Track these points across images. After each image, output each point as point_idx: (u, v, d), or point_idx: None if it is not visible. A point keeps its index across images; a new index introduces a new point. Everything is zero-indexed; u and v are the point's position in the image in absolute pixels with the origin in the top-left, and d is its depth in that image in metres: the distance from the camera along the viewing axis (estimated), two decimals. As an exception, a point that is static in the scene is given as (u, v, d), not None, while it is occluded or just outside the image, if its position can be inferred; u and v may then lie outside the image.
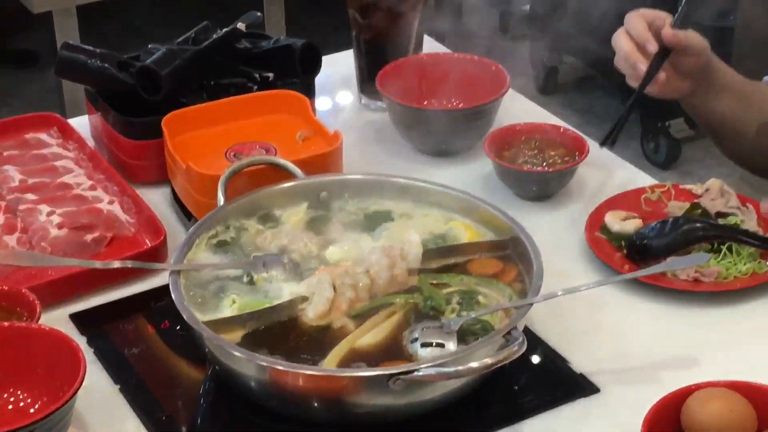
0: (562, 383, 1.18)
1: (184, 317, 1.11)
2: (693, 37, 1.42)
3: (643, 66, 1.40)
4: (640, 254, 1.33)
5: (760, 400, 1.03)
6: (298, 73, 1.53)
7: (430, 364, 1.05)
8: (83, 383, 1.04)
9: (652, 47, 1.39)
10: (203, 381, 1.20)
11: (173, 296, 1.13)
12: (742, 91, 1.51)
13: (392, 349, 1.13)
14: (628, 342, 1.23)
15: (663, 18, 1.42)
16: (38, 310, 1.17)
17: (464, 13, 3.12)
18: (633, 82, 1.43)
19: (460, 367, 1.05)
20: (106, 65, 1.48)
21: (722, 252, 1.31)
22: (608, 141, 1.41)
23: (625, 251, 1.34)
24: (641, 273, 1.26)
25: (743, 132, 1.52)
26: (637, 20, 1.41)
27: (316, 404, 1.10)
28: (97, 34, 3.06)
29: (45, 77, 3.38)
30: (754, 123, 1.52)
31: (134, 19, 3.26)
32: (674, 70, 1.43)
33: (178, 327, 1.20)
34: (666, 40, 1.39)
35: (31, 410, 1.08)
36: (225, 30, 1.54)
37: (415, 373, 1.04)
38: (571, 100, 3.44)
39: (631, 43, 1.41)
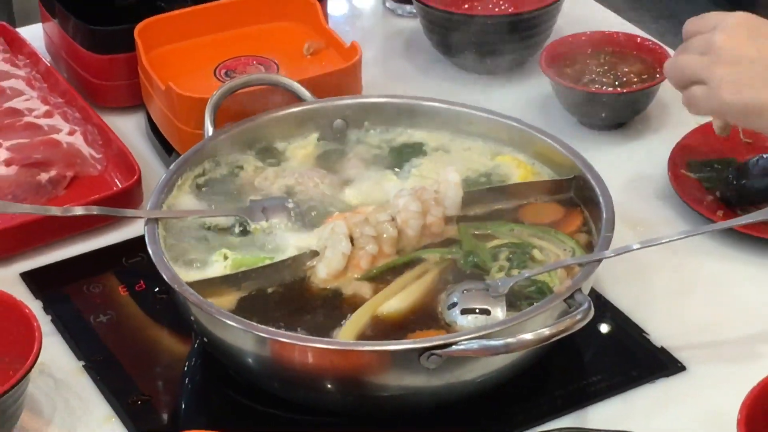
0: (639, 359, 1.17)
1: (164, 277, 1.10)
2: None
3: None
4: (738, 197, 1.33)
5: None
6: None
7: (472, 336, 1.04)
8: (38, 359, 1.04)
9: None
10: (188, 356, 1.20)
11: (150, 250, 1.13)
12: None
13: (425, 317, 1.12)
14: (723, 309, 1.23)
15: None
16: None
17: None
18: None
19: (511, 340, 1.03)
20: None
21: None
22: None
23: (718, 193, 1.35)
24: (740, 221, 1.24)
25: None
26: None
27: (328, 386, 1.09)
28: None
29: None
30: None
31: None
32: None
33: (157, 289, 1.21)
34: None
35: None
36: None
37: (454, 347, 1.03)
38: (651, 4, 3.44)
39: None
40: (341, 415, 1.12)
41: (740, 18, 1.29)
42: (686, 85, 1.28)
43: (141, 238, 1.15)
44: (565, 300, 1.08)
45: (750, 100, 1.23)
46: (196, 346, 1.20)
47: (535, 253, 1.19)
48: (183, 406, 1.17)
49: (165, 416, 1.15)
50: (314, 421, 1.11)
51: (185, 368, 1.20)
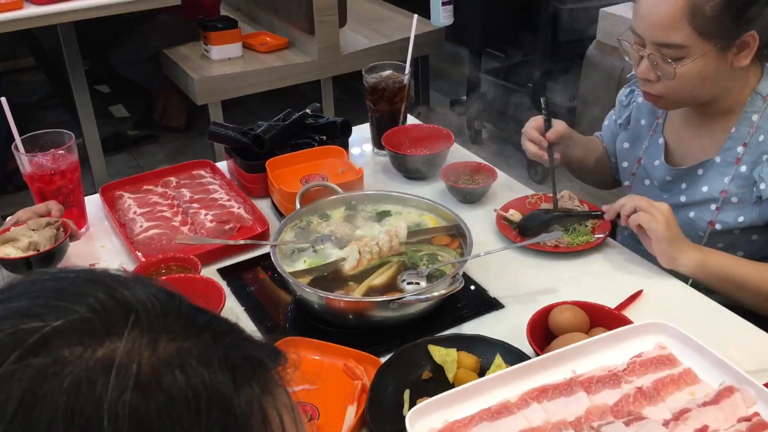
0: (484, 303, 1.17)
1: (279, 270, 1.12)
2: (560, 126, 1.40)
3: (545, 155, 1.38)
4: (525, 232, 1.32)
5: (590, 310, 1.03)
6: (339, 136, 1.53)
7: (412, 294, 1.06)
8: (225, 306, 1.06)
9: (545, 144, 1.38)
10: (290, 303, 1.19)
11: (272, 259, 1.14)
12: (585, 144, 1.51)
13: (391, 286, 1.13)
14: (520, 280, 1.22)
15: (541, 121, 1.39)
16: (199, 267, 1.19)
17: (431, 103, 3.11)
18: (539, 161, 1.41)
19: (428, 295, 1.06)
20: (235, 133, 1.48)
21: (570, 230, 1.31)
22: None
23: (517, 230, 1.33)
24: (526, 243, 1.26)
25: (586, 166, 1.52)
26: (531, 132, 1.40)
27: (350, 316, 1.11)
28: (230, 114, 3.06)
29: (204, 140, 3.41)
30: (592, 160, 1.52)
31: (251, 106, 3.25)
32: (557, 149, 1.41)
33: (276, 275, 1.19)
34: (550, 140, 1.38)
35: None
36: (300, 113, 1.54)
37: (404, 299, 1.05)
38: (489, 148, 3.42)
39: (534, 145, 1.39)
40: (356, 328, 1.12)
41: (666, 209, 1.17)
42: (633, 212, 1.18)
43: (268, 254, 1.16)
44: (451, 277, 1.10)
45: (673, 240, 1.15)
46: (292, 300, 1.19)
47: (439, 257, 1.19)
48: (287, 325, 1.16)
49: (279, 329, 1.14)
50: (345, 333, 1.10)
51: (288, 309, 1.19)
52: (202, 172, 1.53)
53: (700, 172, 1.28)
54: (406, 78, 1.54)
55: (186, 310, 0.41)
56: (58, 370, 0.34)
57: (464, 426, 0.79)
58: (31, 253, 1.16)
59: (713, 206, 1.26)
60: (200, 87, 2.94)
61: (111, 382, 0.34)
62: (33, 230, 1.19)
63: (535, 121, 1.40)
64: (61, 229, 1.21)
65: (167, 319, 0.39)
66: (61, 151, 1.30)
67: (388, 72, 1.57)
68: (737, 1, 1.11)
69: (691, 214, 1.29)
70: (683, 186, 1.31)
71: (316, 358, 1.02)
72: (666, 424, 0.75)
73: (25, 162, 1.29)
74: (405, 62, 1.56)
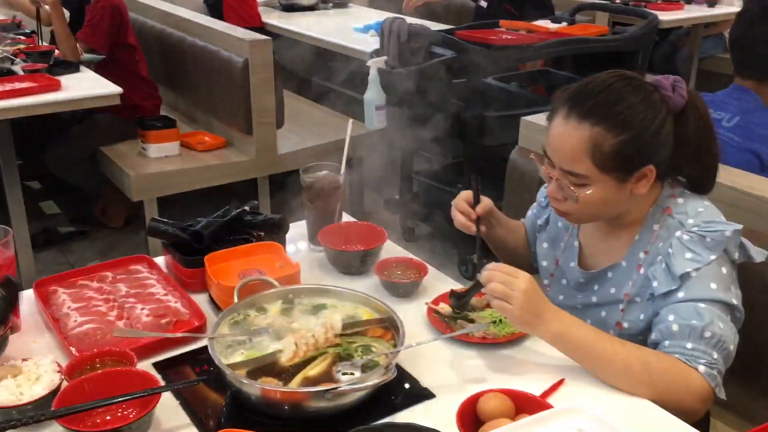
0: (416, 393, 1.20)
1: (216, 362, 1.13)
2: (487, 202, 1.51)
3: (473, 228, 1.47)
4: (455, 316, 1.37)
5: (515, 398, 1.08)
6: (277, 232, 1.58)
7: (346, 384, 1.09)
8: (160, 400, 1.06)
9: (473, 217, 1.48)
10: (226, 398, 1.19)
11: (210, 351, 1.16)
12: (507, 225, 1.61)
13: (326, 377, 1.15)
14: (450, 370, 1.26)
15: (470, 195, 1.49)
16: (135, 361, 1.19)
17: (366, 202, 3.20)
18: (466, 231, 1.49)
19: (362, 384, 1.09)
20: (175, 229, 1.51)
21: (497, 322, 1.36)
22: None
23: (443, 321, 1.38)
24: (455, 334, 1.30)
25: (507, 246, 1.62)
26: (461, 203, 1.50)
27: (286, 407, 1.12)
28: (167, 212, 3.07)
29: (136, 236, 3.37)
30: (513, 242, 1.62)
31: (188, 203, 3.28)
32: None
33: (213, 368, 1.18)
34: (478, 214, 1.48)
35: (131, 415, 1.09)
36: (238, 210, 1.58)
37: (338, 389, 1.08)
38: (421, 245, 3.51)
39: (462, 216, 1.49)
40: (292, 419, 1.12)
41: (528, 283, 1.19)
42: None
43: (206, 348, 1.17)
44: (385, 368, 1.13)
45: (528, 320, 1.19)
46: (229, 393, 1.19)
47: (373, 348, 1.22)
48: (222, 419, 1.15)
49: (212, 424, 1.13)
50: (281, 424, 1.11)
51: (225, 403, 1.18)
52: (140, 267, 1.54)
53: (609, 275, 1.39)
54: (341, 178, 1.62)
55: None
56: None
57: None
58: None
59: (620, 307, 1.36)
60: (136, 184, 2.96)
61: None
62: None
63: (465, 194, 1.51)
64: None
65: None
66: (-3, 246, 1.31)
67: (324, 172, 1.65)
68: (632, 144, 1.25)
69: (603, 313, 1.40)
70: (595, 287, 1.42)
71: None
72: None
73: (-41, 256, 1.29)
74: (340, 162, 1.64)
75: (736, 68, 1.94)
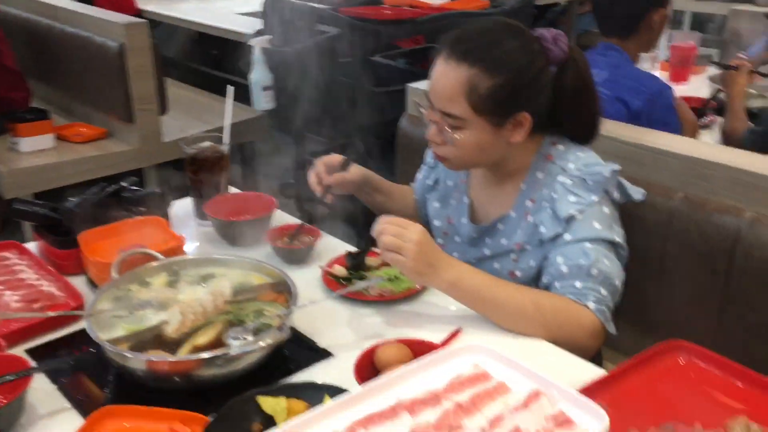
0: (313, 353, 1.18)
1: (93, 338, 1.07)
2: (352, 174, 1.51)
3: (321, 189, 1.48)
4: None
5: (413, 346, 1.08)
6: (160, 205, 1.52)
7: (238, 347, 1.05)
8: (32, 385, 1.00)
9: (325, 183, 1.49)
10: (109, 376, 1.12)
11: (87, 329, 1.08)
12: (389, 191, 1.62)
13: (217, 344, 1.10)
14: (347, 330, 1.25)
15: (334, 160, 1.51)
16: (4, 346, 1.13)
17: (261, 188, 3.10)
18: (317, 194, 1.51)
19: (254, 346, 1.06)
20: (44, 209, 1.43)
21: (393, 279, 1.35)
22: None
23: (339, 283, 1.36)
24: (346, 291, 1.28)
25: (389, 212, 1.60)
26: (319, 166, 1.51)
27: (176, 379, 1.06)
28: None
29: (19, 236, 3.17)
30: (396, 208, 1.62)
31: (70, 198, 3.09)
32: (341, 187, 1.52)
33: (93, 348, 1.12)
34: (327, 182, 1.49)
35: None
36: (116, 186, 1.50)
37: (230, 354, 1.04)
38: (321, 227, 3.48)
39: (314, 177, 1.50)
40: (183, 392, 1.07)
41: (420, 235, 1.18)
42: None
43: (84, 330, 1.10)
44: (278, 329, 1.10)
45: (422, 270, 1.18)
46: (113, 371, 1.12)
47: (265, 312, 1.17)
48: (106, 401, 1.09)
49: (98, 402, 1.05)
50: (173, 398, 1.03)
51: (108, 381, 1.12)
52: (8, 254, 1.44)
53: (500, 226, 1.41)
54: (225, 147, 1.57)
55: None
56: None
57: (294, 462, 0.78)
58: None
59: (512, 257, 1.38)
60: (8, 180, 2.77)
61: None
62: None
63: (327, 158, 1.52)
64: None
65: None
66: None
67: (207, 143, 1.59)
68: (507, 87, 1.27)
69: (496, 265, 1.42)
70: (487, 240, 1.44)
71: (140, 425, 0.97)
72: (483, 431, 0.80)
73: None
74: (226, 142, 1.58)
75: (600, 28, 2.05)
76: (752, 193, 1.44)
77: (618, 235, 1.30)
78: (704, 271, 1.49)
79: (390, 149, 2.17)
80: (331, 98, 2.80)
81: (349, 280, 1.36)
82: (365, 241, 1.29)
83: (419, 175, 1.65)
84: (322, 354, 1.17)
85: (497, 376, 0.90)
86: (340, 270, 1.38)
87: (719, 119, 2.34)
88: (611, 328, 1.25)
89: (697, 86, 2.81)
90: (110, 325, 1.14)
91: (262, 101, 2.94)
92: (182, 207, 1.66)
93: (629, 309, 1.38)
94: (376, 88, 2.96)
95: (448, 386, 0.89)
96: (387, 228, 1.19)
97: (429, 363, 0.92)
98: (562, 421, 0.81)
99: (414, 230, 1.18)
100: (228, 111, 1.60)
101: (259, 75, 2.94)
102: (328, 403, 0.86)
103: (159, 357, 1.04)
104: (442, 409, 0.84)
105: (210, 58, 4.24)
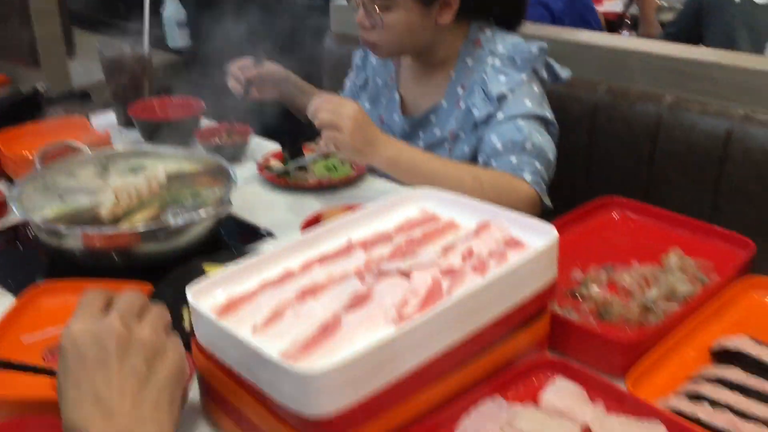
0: (255, 234, 1.16)
1: (21, 216, 1.02)
2: (271, 67, 1.54)
3: (240, 87, 1.50)
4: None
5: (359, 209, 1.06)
6: (81, 104, 1.48)
7: (178, 222, 1.02)
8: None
9: (243, 79, 1.51)
10: (41, 258, 1.07)
11: (14, 210, 1.03)
12: (312, 91, 1.64)
13: (156, 221, 1.06)
14: (289, 212, 1.22)
15: (246, 61, 1.53)
16: None
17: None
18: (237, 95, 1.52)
19: (198, 217, 1.03)
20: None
21: (330, 168, 1.33)
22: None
23: (277, 176, 1.34)
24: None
25: None
26: (234, 69, 1.53)
27: (115, 256, 1.02)
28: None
29: None
30: None
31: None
32: (264, 86, 1.54)
33: (18, 240, 1.08)
34: (247, 76, 1.51)
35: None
36: (30, 89, 1.43)
37: (170, 227, 1.01)
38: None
39: (233, 80, 1.52)
40: (122, 271, 1.01)
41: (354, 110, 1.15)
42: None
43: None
44: (219, 202, 1.07)
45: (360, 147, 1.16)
46: (46, 257, 1.08)
47: (203, 194, 1.14)
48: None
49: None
50: (108, 276, 0.98)
51: (39, 267, 1.07)
52: None
53: (432, 117, 1.42)
54: (146, 49, 1.51)
55: None
56: None
57: (248, 297, 0.77)
58: None
59: (447, 146, 1.39)
60: None
61: None
62: None
63: (240, 60, 1.54)
64: None
65: None
66: None
67: (127, 48, 1.53)
68: None
69: None
70: (420, 133, 1.44)
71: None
72: (437, 256, 0.81)
73: None
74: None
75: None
76: (669, 77, 1.50)
77: (549, 113, 1.33)
78: (630, 159, 1.54)
79: (316, 70, 2.13)
80: (251, 18, 2.72)
81: (287, 174, 1.34)
82: (298, 127, 1.28)
83: (347, 81, 1.64)
84: (264, 234, 1.16)
85: (445, 216, 0.91)
86: (276, 164, 1.36)
87: (634, 33, 2.44)
88: (547, 201, 1.29)
89: (615, 3, 2.98)
90: (39, 208, 1.08)
91: (177, 38, 2.84)
92: (104, 119, 1.59)
93: (560, 205, 1.41)
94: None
95: (398, 227, 0.89)
96: (323, 105, 1.16)
97: (377, 210, 0.92)
98: (513, 243, 0.83)
99: (350, 107, 1.15)
100: (146, 14, 1.54)
101: (172, 10, 2.84)
102: (281, 244, 0.85)
103: (95, 230, 1.00)
104: (394, 245, 0.85)
105: (117, 4, 4.05)
